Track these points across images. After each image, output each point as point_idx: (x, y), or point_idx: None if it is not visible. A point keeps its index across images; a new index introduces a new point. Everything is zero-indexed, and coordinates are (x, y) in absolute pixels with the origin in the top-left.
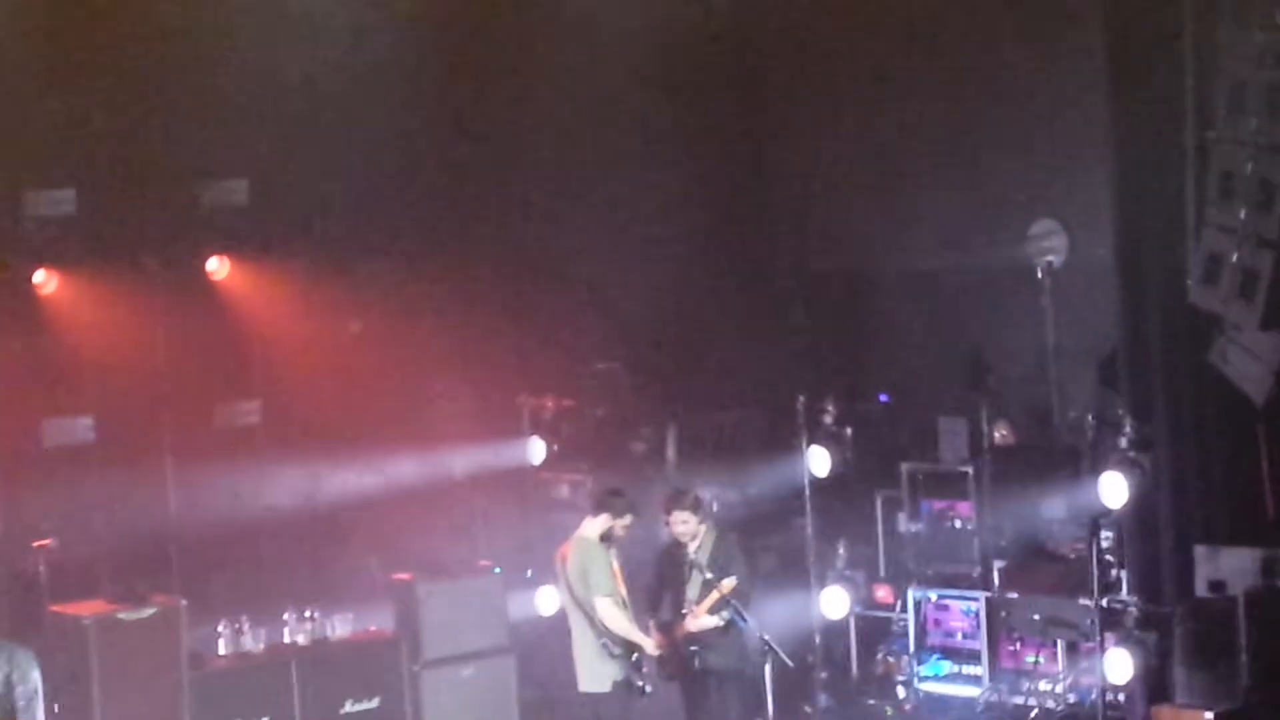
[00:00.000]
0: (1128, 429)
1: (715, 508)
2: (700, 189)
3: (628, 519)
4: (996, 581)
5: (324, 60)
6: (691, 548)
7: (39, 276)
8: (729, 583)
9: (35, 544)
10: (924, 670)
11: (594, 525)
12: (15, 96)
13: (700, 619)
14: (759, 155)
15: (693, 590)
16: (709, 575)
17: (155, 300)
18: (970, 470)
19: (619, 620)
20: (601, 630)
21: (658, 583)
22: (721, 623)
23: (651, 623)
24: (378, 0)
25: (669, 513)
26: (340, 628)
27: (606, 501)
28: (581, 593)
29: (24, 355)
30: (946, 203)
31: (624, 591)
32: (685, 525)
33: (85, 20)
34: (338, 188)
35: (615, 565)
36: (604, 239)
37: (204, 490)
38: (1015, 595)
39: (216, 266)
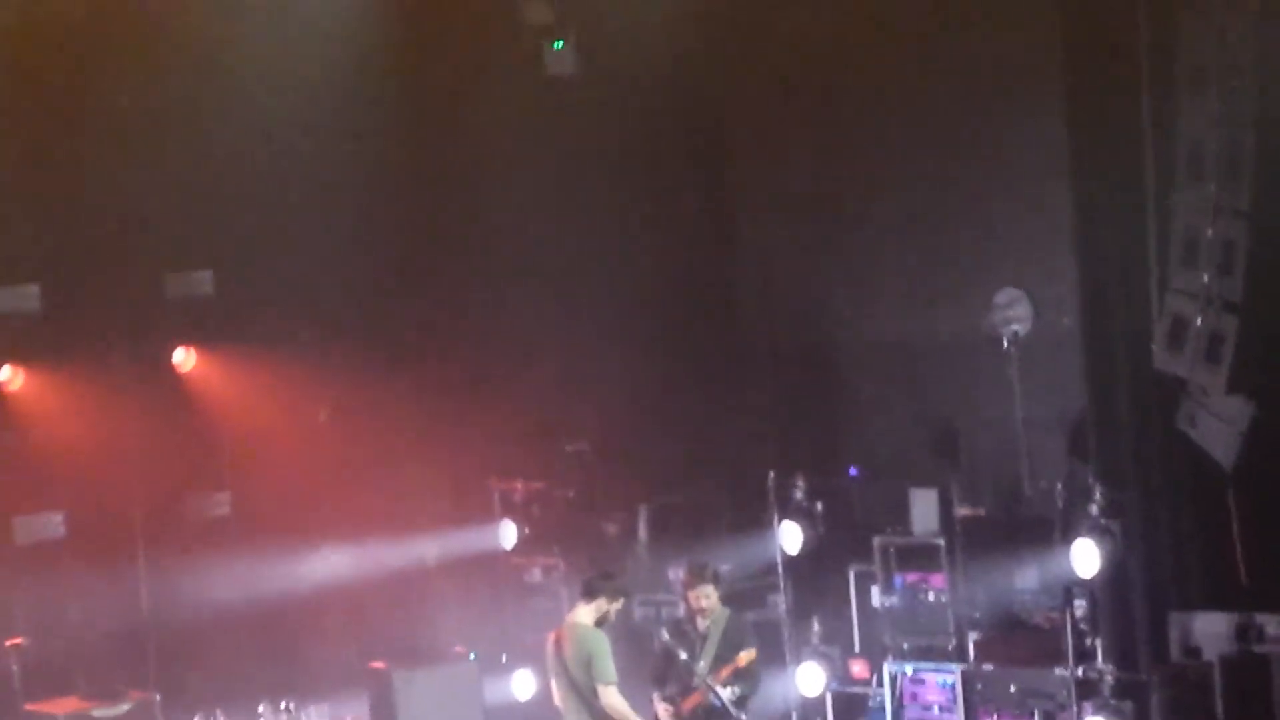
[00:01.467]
0: (1098, 496)
1: None
2: (664, 266)
3: (620, 602)
4: (972, 653)
5: (289, 149)
6: (703, 624)
7: (4, 373)
8: (747, 654)
9: (7, 643)
10: None
11: (588, 611)
12: None
13: (716, 691)
14: (723, 231)
15: (704, 664)
16: (718, 650)
17: (122, 393)
18: (942, 542)
19: (623, 707)
20: (601, 716)
21: (665, 658)
22: (735, 696)
23: (656, 696)
24: (342, 89)
25: (690, 586)
26: (316, 719)
27: (600, 586)
28: (583, 680)
29: None
30: (911, 274)
31: None
32: (709, 600)
33: (46, 111)
34: (303, 276)
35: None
36: (570, 319)
37: (177, 583)
38: (991, 667)
39: (183, 358)
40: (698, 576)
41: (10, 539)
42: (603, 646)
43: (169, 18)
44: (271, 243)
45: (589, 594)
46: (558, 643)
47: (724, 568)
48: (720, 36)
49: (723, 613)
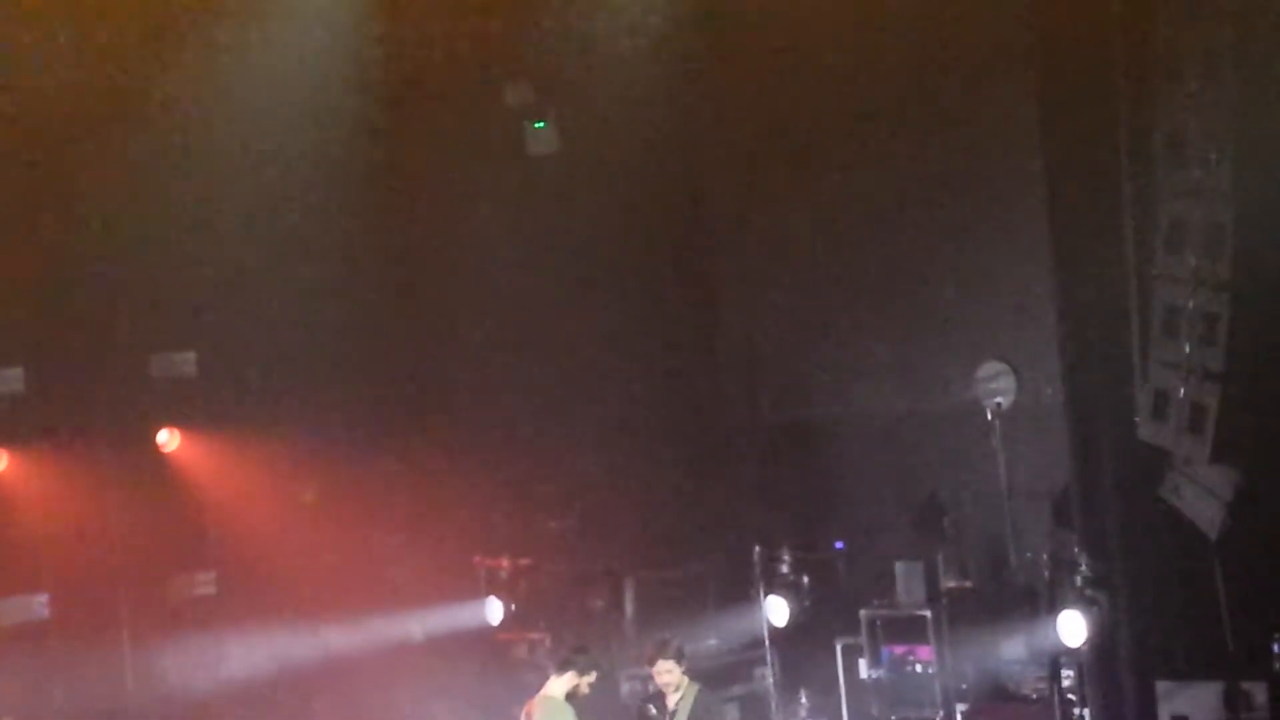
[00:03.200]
0: (1084, 567)
1: None
2: (648, 342)
3: (593, 675)
4: None
5: (272, 229)
6: (672, 700)
7: None
8: None
9: None
10: None
11: (559, 684)
12: None
13: None
14: (705, 307)
15: None
16: None
17: (106, 474)
18: (929, 614)
19: None
20: None
21: None
22: None
23: None
24: (326, 169)
25: (653, 663)
26: None
27: (571, 660)
28: None
29: None
30: (894, 348)
31: None
32: (670, 675)
33: (28, 197)
34: (286, 355)
35: None
36: (554, 396)
37: (162, 663)
38: None
39: (167, 439)
40: (659, 652)
41: None
42: (567, 718)
43: (151, 102)
44: (254, 323)
45: (561, 667)
46: (528, 716)
47: (710, 642)
48: (698, 114)
49: (691, 688)
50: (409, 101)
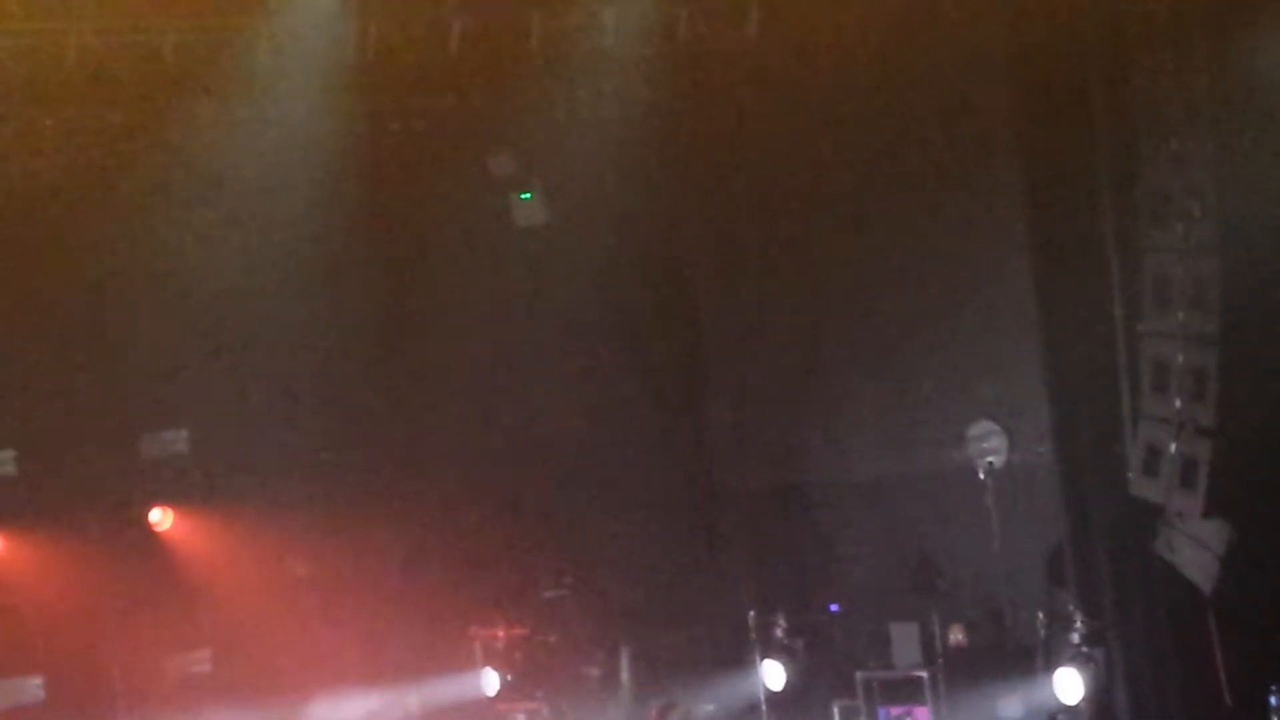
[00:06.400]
0: (1079, 624)
1: None
2: (636, 411)
3: None
4: None
5: (258, 307)
6: None
7: None
8: None
9: None
10: None
11: None
12: None
13: None
14: (696, 374)
15: None
16: None
17: (100, 553)
18: (925, 675)
19: None
20: None
21: None
22: None
23: None
24: (312, 245)
25: None
26: None
27: None
28: None
29: None
30: (883, 410)
31: None
32: None
33: (18, 276)
34: (276, 432)
35: None
36: (544, 465)
37: None
38: None
39: (160, 517)
40: (664, 715)
41: None
42: None
43: (138, 185)
44: (245, 400)
45: None
46: None
47: (708, 707)
48: (685, 183)
49: None
50: (393, 174)
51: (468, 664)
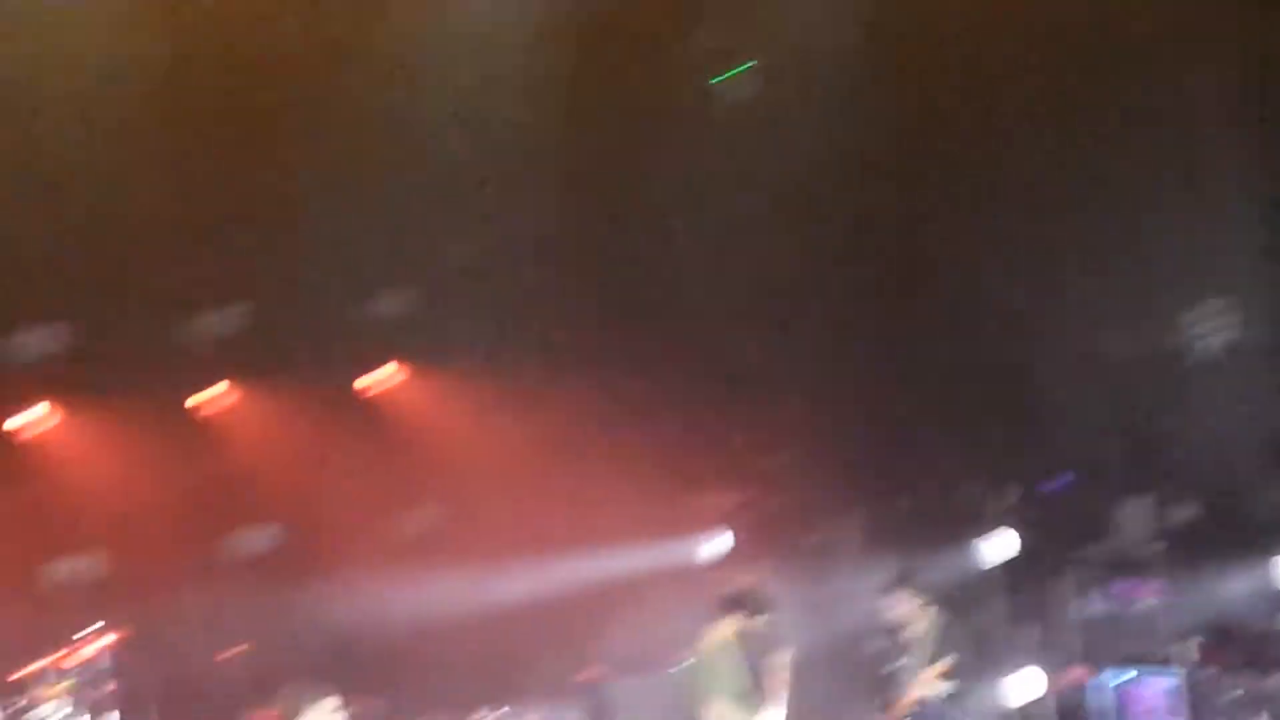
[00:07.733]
0: None
1: None
2: (864, 288)
3: (764, 617)
4: (1195, 657)
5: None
6: (911, 630)
7: None
8: (951, 658)
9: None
10: None
11: (728, 624)
12: None
13: (928, 687)
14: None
15: (914, 665)
16: (926, 653)
17: (329, 413)
18: (1153, 551)
19: None
20: None
21: (878, 664)
22: (945, 695)
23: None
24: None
25: (891, 594)
26: None
27: (741, 600)
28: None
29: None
30: (1113, 288)
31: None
32: (910, 606)
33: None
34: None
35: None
36: (763, 330)
37: (388, 596)
38: (1212, 671)
39: (390, 374)
40: (899, 583)
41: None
42: (717, 662)
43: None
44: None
45: (731, 608)
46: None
47: (936, 575)
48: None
49: (928, 617)
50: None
51: (695, 528)
